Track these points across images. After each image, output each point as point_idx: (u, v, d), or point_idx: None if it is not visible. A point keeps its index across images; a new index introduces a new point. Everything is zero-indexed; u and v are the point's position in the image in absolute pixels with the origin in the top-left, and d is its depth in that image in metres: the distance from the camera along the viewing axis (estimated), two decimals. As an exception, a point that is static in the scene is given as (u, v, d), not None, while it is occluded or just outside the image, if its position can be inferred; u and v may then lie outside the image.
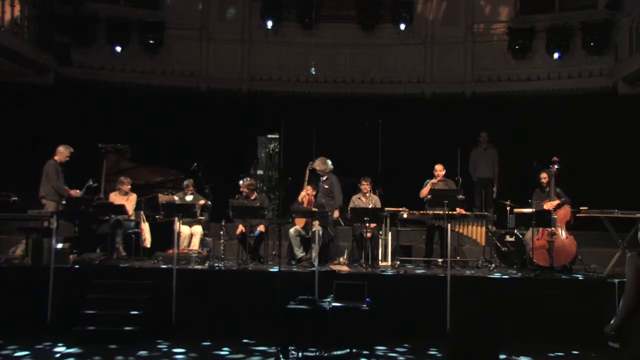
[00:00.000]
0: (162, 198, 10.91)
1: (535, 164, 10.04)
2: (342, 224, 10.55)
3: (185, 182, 10.73)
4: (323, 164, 10.57)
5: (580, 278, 8.80)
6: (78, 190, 10.17)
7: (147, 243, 10.44)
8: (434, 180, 10.30)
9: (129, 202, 10.35)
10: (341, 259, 9.84)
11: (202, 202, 10.35)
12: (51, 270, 8.67)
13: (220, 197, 10.71)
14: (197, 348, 7.97)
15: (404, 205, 10.26)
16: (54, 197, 10.01)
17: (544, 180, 9.78)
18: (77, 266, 9.29)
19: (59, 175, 10.08)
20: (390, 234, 10.28)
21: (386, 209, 10.07)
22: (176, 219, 9.34)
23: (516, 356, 7.72)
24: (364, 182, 10.35)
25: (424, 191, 10.26)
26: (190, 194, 10.62)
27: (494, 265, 9.96)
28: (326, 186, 10.55)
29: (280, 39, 14.11)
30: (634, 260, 4.40)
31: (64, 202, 10.01)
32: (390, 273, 9.37)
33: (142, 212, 10.50)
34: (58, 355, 7.62)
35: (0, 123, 12.08)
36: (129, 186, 10.50)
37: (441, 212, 9.53)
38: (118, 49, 13.15)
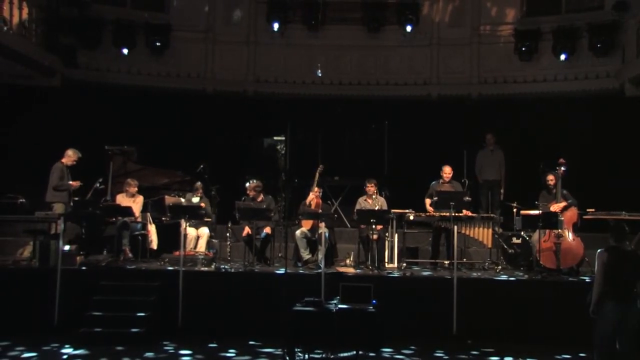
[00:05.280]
0: (169, 200, 10.94)
1: (541, 166, 10.02)
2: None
3: (196, 185, 10.72)
4: None
5: (587, 280, 8.75)
6: (77, 182, 10.20)
7: (154, 245, 10.46)
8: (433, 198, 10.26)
9: (136, 204, 10.37)
10: (347, 261, 9.85)
11: (202, 205, 10.32)
12: (58, 272, 8.70)
13: (226, 198, 10.73)
14: (203, 349, 7.99)
15: (410, 206, 10.26)
16: (61, 197, 10.04)
17: (551, 182, 9.76)
18: (84, 268, 9.33)
19: (65, 178, 10.11)
20: (396, 235, 10.28)
21: (392, 210, 10.07)
22: (182, 220, 9.34)
23: (523, 358, 7.72)
24: (369, 185, 10.34)
25: (427, 204, 10.27)
26: (197, 196, 10.62)
27: (500, 267, 9.95)
28: None
29: (285, 41, 14.10)
30: (600, 256, 6.14)
31: (71, 203, 10.05)
32: (396, 275, 9.37)
33: (148, 214, 10.53)
34: (65, 356, 7.65)
35: (6, 125, 12.12)
36: (136, 188, 10.52)
37: (447, 214, 9.52)
38: (124, 51, 13.15)
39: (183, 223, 9.33)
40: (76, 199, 10.17)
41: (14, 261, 9.95)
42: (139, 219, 10.39)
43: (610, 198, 10.53)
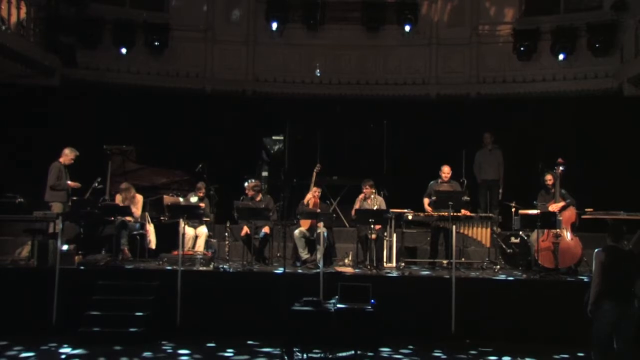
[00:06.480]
0: (167, 199, 10.93)
1: (540, 166, 10.03)
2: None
3: (198, 185, 10.69)
4: None
5: (585, 280, 8.74)
6: (77, 184, 10.20)
7: (152, 244, 10.46)
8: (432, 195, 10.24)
9: (137, 209, 10.37)
10: (346, 261, 9.85)
11: (201, 205, 10.33)
12: (57, 271, 8.71)
13: (225, 198, 10.74)
14: (201, 349, 7.99)
15: (409, 206, 10.26)
16: (60, 197, 10.03)
17: (549, 182, 9.77)
18: (82, 267, 9.34)
19: (63, 177, 10.11)
20: (395, 235, 10.29)
21: (391, 210, 10.07)
22: (181, 220, 9.34)
23: (521, 358, 7.72)
24: (365, 188, 10.27)
25: (426, 203, 10.27)
26: (196, 196, 10.59)
27: (499, 266, 9.96)
28: None
29: (285, 41, 14.10)
30: (598, 255, 6.12)
31: (69, 202, 10.04)
32: (395, 275, 9.38)
33: (147, 214, 10.53)
34: (63, 356, 7.65)
35: (5, 124, 12.12)
36: (133, 190, 10.49)
37: (446, 213, 9.53)
38: (123, 50, 13.14)
39: (181, 223, 9.32)
40: (75, 198, 10.16)
41: (13, 261, 9.97)
42: (139, 219, 10.41)
43: (608, 198, 10.54)
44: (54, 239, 9.16)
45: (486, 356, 7.84)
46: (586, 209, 9.77)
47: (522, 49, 13.25)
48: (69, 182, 10.15)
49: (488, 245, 10.11)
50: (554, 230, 9.28)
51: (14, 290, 8.80)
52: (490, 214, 10.69)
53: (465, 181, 10.97)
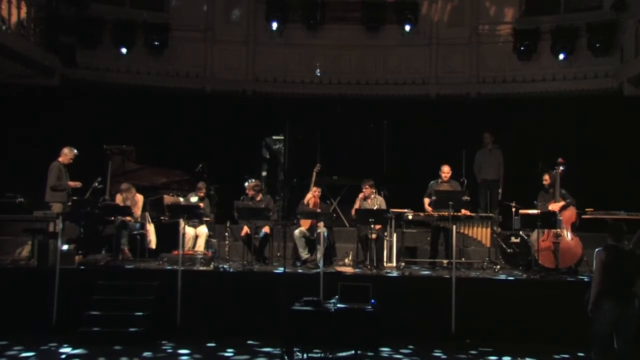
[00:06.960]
0: (167, 199, 10.93)
1: (540, 165, 10.02)
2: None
3: (199, 185, 10.69)
4: None
5: (585, 279, 8.74)
6: (78, 183, 10.20)
7: (153, 244, 10.46)
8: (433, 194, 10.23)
9: (137, 209, 10.36)
10: (346, 261, 9.85)
11: (201, 205, 10.33)
12: (57, 271, 8.72)
13: (225, 198, 10.74)
14: (201, 349, 8.00)
15: (409, 206, 10.26)
16: (60, 197, 10.03)
17: (545, 182, 9.77)
18: (82, 267, 9.34)
19: (63, 177, 10.11)
20: (395, 235, 10.28)
21: (391, 210, 10.07)
22: (181, 220, 9.33)
23: (521, 358, 7.72)
24: (365, 188, 10.26)
25: (426, 203, 10.26)
26: (196, 196, 10.59)
27: (499, 266, 9.96)
28: None
29: (285, 41, 14.10)
30: (599, 255, 6.13)
31: (70, 203, 10.04)
32: (395, 274, 9.39)
33: (147, 214, 10.53)
34: (63, 356, 7.65)
35: (5, 124, 12.12)
36: (134, 190, 10.49)
37: (446, 213, 9.53)
38: (123, 50, 13.14)
39: (181, 222, 9.32)
40: (75, 198, 10.16)
41: (13, 260, 9.98)
42: (140, 219, 10.41)
43: (608, 198, 10.53)
44: (54, 239, 9.16)
45: (486, 356, 7.84)
46: (586, 209, 9.77)
47: (522, 48, 13.25)
48: (69, 182, 10.15)
49: (488, 245, 10.11)
50: (554, 230, 9.28)
51: (14, 290, 8.79)
52: (491, 214, 10.69)
53: (465, 181, 10.98)
